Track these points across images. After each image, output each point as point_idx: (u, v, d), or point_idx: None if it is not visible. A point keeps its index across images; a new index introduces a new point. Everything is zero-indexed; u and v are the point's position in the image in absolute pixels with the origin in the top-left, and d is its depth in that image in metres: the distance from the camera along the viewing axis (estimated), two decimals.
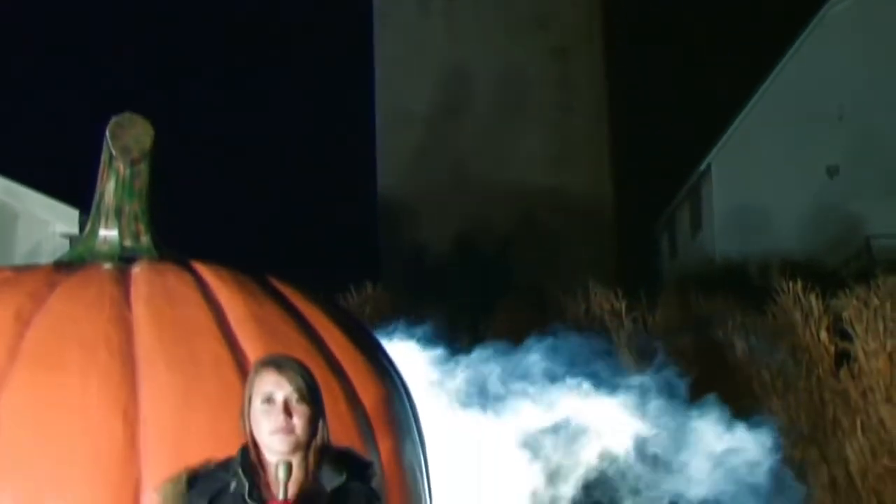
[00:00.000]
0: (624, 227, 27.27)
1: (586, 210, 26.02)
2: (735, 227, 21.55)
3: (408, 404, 4.00)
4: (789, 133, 21.61)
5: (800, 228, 20.67)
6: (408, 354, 5.50)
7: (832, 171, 21.56)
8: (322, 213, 31.24)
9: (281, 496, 2.36)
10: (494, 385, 5.95)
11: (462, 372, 5.83)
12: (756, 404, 10.24)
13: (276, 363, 2.55)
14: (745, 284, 14.52)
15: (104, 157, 4.02)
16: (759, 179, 21.62)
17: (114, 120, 3.96)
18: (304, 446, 2.46)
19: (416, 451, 3.89)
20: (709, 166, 22.89)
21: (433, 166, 26.22)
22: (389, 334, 5.68)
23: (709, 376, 10.47)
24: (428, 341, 6.02)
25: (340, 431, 3.14)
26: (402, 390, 4.04)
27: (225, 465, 2.52)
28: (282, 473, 2.37)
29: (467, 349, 6.34)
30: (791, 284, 11.04)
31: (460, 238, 24.73)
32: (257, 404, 2.48)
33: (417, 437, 3.96)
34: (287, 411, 2.45)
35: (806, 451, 8.92)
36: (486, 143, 26.30)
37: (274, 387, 2.48)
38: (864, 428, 10.29)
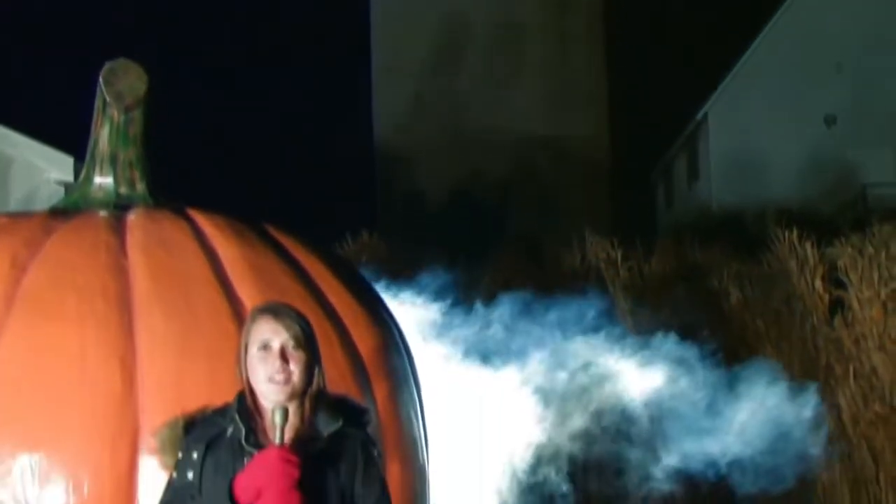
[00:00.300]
0: (620, 177, 27.23)
1: (583, 159, 25.96)
2: (731, 176, 21.53)
3: (404, 352, 4.02)
4: (787, 82, 21.50)
5: (796, 177, 20.65)
6: (404, 303, 5.52)
7: (829, 121, 21.48)
8: (319, 161, 31.14)
9: (277, 441, 2.37)
10: (494, 334, 5.98)
11: (459, 321, 5.85)
12: (750, 352, 10.31)
13: (273, 310, 2.55)
14: (741, 233, 14.54)
15: (98, 103, 3.99)
16: (756, 128, 21.55)
17: (107, 66, 3.93)
18: (300, 393, 2.47)
19: (412, 399, 3.91)
20: (706, 115, 22.79)
21: (430, 116, 26.09)
22: (385, 282, 5.70)
23: (704, 325, 10.53)
24: (424, 290, 6.04)
25: (337, 378, 3.16)
26: (399, 338, 4.05)
27: (222, 411, 2.53)
28: (278, 418, 2.39)
29: (464, 298, 6.36)
30: (786, 233, 11.06)
31: (457, 187, 24.69)
32: (254, 351, 2.49)
33: (413, 385, 3.99)
34: (283, 358, 2.46)
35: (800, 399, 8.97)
36: (483, 93, 26.15)
37: (271, 334, 2.48)
38: (856, 375, 10.37)
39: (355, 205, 26.46)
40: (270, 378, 2.45)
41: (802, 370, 10.37)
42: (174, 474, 2.46)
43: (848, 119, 21.18)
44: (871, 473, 9.80)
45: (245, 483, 2.33)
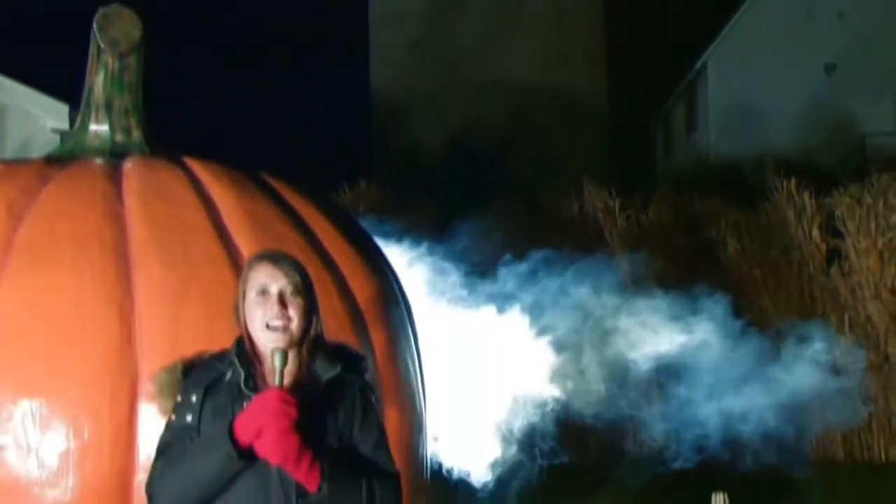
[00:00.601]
0: (619, 126, 27.11)
1: (581, 109, 25.81)
2: (730, 125, 21.44)
3: (401, 300, 4.03)
4: (787, 31, 21.33)
5: (795, 127, 20.57)
6: (401, 251, 5.53)
7: (830, 69, 21.35)
8: (316, 110, 30.96)
9: (276, 384, 2.38)
10: (490, 282, 5.99)
11: (456, 269, 5.86)
12: (748, 302, 10.35)
13: (271, 257, 2.55)
14: (739, 183, 14.53)
15: (92, 49, 3.96)
16: (756, 77, 21.42)
17: (100, 12, 3.89)
18: (298, 339, 2.48)
19: (410, 346, 3.93)
20: (704, 65, 22.64)
21: (427, 65, 25.89)
22: (383, 231, 5.70)
23: (701, 274, 10.55)
24: (421, 239, 6.04)
25: (334, 326, 3.17)
26: (396, 286, 4.06)
27: (220, 356, 2.54)
28: (278, 362, 2.40)
29: (462, 248, 6.36)
30: (785, 183, 11.06)
31: (454, 136, 24.58)
32: (252, 297, 2.49)
33: (411, 333, 4.01)
34: (282, 303, 2.46)
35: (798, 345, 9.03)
36: (482, 42, 25.93)
37: (269, 279, 2.49)
38: (851, 324, 10.44)
39: (353, 154, 26.38)
40: (268, 324, 2.46)
41: (798, 319, 10.42)
42: (173, 417, 2.48)
43: (848, 68, 21.04)
44: (863, 420, 9.91)
45: (244, 424, 2.35)
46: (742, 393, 6.55)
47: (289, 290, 2.48)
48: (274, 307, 2.46)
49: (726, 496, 4.25)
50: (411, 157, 24.63)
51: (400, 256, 5.27)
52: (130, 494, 3.10)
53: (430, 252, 5.97)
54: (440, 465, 5.31)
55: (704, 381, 6.56)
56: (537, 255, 6.49)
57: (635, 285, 7.09)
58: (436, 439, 5.09)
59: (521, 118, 24.96)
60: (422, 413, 3.93)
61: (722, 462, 6.85)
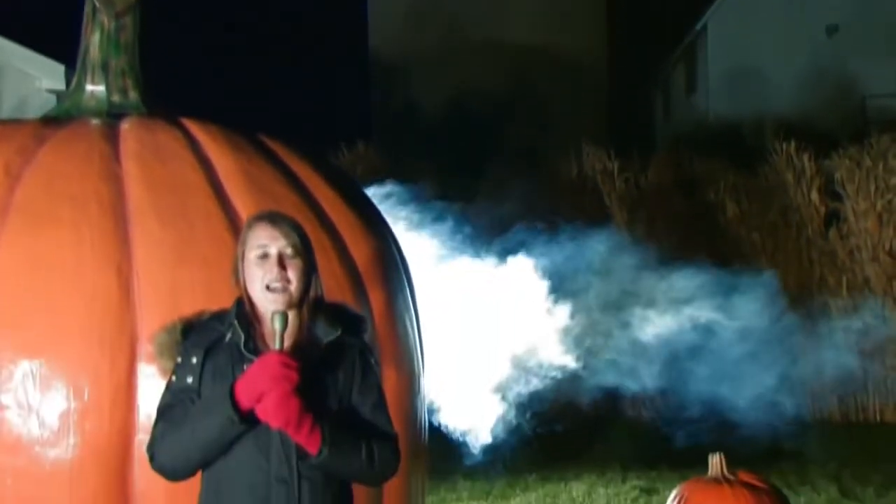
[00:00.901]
0: (618, 89, 26.98)
1: (580, 71, 25.68)
2: (730, 87, 21.33)
3: (399, 261, 4.03)
4: None
5: (796, 89, 20.47)
6: (399, 214, 5.51)
7: (831, 30, 21.20)
8: (314, 72, 30.80)
9: (277, 346, 2.38)
10: (488, 242, 5.99)
11: (453, 231, 5.85)
12: (746, 264, 10.36)
13: (270, 218, 2.54)
14: (739, 145, 14.49)
15: (87, 8, 3.93)
16: (756, 39, 21.27)
17: None
18: (297, 300, 2.48)
19: (408, 306, 3.94)
20: (705, 26, 22.47)
21: (426, 27, 25.71)
22: (381, 192, 5.68)
23: (699, 237, 10.57)
24: (419, 201, 6.03)
25: (333, 288, 3.17)
26: (394, 247, 4.06)
27: (219, 316, 2.53)
28: (278, 324, 2.39)
29: (461, 211, 6.35)
30: (784, 145, 11.03)
31: (453, 98, 24.47)
32: (251, 257, 2.48)
33: (409, 293, 4.01)
34: (281, 264, 2.46)
35: (792, 309, 9.07)
36: (480, 4, 25.72)
37: (268, 241, 2.48)
38: (849, 286, 10.46)
39: (351, 116, 26.28)
40: (268, 285, 2.45)
41: (796, 282, 10.45)
42: (173, 378, 2.48)
43: (850, 29, 20.89)
44: (860, 382, 9.97)
45: (245, 387, 2.35)
46: (740, 355, 6.59)
47: (288, 251, 2.48)
48: (273, 269, 2.46)
49: (723, 457, 4.28)
50: (409, 120, 24.54)
51: (398, 219, 5.26)
52: (131, 454, 3.12)
53: (428, 215, 5.96)
54: (438, 427, 5.34)
55: (702, 344, 6.59)
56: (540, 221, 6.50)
57: (636, 251, 7.09)
58: (434, 403, 5.12)
59: (519, 80, 24.83)
60: (420, 375, 3.94)
61: (719, 424, 6.90)
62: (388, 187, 5.96)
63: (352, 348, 2.55)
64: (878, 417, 10.29)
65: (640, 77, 27.36)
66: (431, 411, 5.18)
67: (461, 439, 7.09)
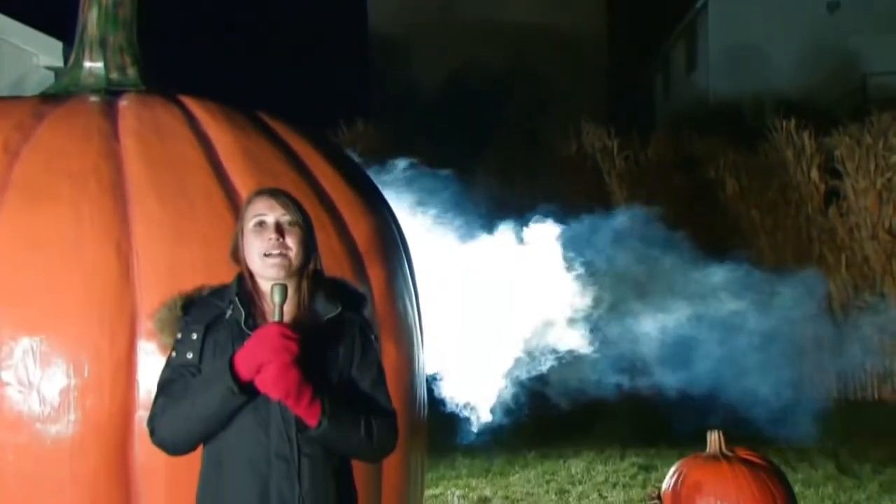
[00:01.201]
0: (618, 66, 26.88)
1: (580, 49, 25.58)
2: (730, 65, 21.25)
3: (398, 238, 4.03)
4: None
5: (796, 66, 20.39)
6: (400, 193, 5.50)
7: (832, 7, 21.09)
8: (312, 49, 30.68)
9: (276, 319, 2.38)
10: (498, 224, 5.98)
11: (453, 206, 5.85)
12: (744, 242, 10.38)
13: (269, 191, 2.55)
14: (738, 123, 14.47)
15: None
16: (757, 16, 21.17)
17: None
18: (297, 270, 2.47)
19: (407, 285, 3.94)
20: (705, 4, 22.36)
21: (425, 4, 25.60)
22: (379, 170, 5.68)
23: (699, 214, 10.57)
24: (420, 180, 6.02)
25: (332, 265, 3.17)
26: (393, 224, 4.06)
27: (219, 292, 2.53)
28: (277, 296, 2.39)
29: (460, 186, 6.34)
30: (784, 122, 11.01)
31: (452, 76, 24.38)
32: (249, 227, 2.48)
33: (408, 270, 4.01)
34: (279, 231, 2.45)
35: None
36: None
37: (266, 210, 2.47)
38: (848, 264, 10.47)
39: (349, 94, 26.19)
40: (266, 253, 2.45)
41: (796, 259, 10.45)
42: (173, 354, 2.48)
43: (851, 6, 20.79)
44: (858, 360, 10.00)
45: (245, 358, 2.35)
46: (739, 332, 6.60)
47: (286, 219, 2.47)
48: (271, 236, 2.45)
49: (721, 434, 4.29)
50: (409, 98, 24.46)
51: (399, 198, 5.25)
52: (131, 430, 3.13)
53: (428, 192, 5.95)
54: (441, 400, 5.36)
55: (702, 320, 6.60)
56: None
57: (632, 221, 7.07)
58: (439, 374, 5.13)
59: (519, 58, 24.73)
60: (419, 352, 3.95)
61: (718, 402, 6.92)
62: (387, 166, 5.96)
63: (352, 325, 2.55)
64: (876, 396, 10.32)
65: (639, 55, 27.26)
66: (435, 381, 5.21)
67: (462, 416, 7.13)
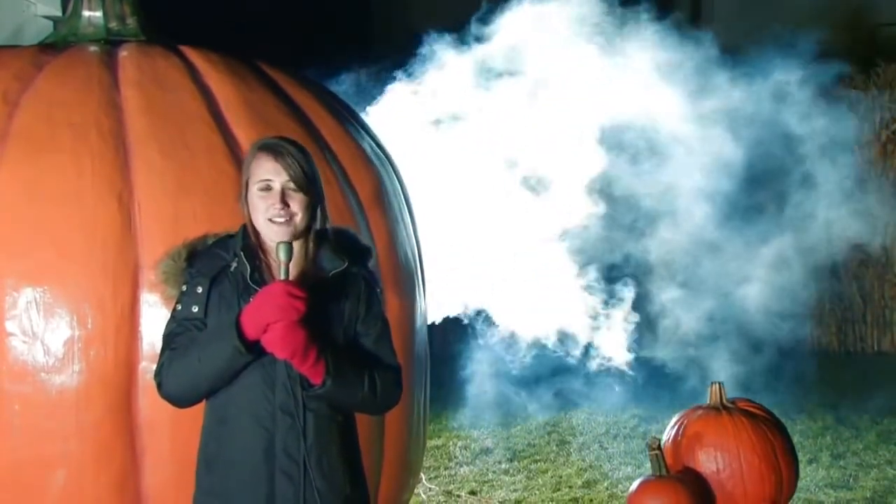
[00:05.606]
0: None
1: None
2: (737, 15, 21.01)
3: (400, 189, 4.02)
4: None
5: (805, 16, 20.15)
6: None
7: None
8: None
9: (282, 277, 2.36)
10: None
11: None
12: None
13: (274, 149, 2.45)
14: None
15: None
16: None
17: None
18: (302, 231, 2.45)
19: (409, 234, 3.94)
20: None
21: None
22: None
23: None
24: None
25: (335, 217, 3.15)
26: (395, 175, 4.05)
27: (224, 242, 2.51)
28: (283, 254, 2.37)
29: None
30: None
31: (456, 28, 24.14)
32: (254, 190, 2.44)
33: (410, 221, 4.01)
34: (284, 200, 2.42)
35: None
36: None
37: (272, 174, 2.42)
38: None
39: (351, 45, 25.95)
40: (271, 218, 2.42)
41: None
42: (178, 307, 2.46)
43: None
44: (859, 312, 10.00)
45: (251, 317, 2.34)
46: (741, 280, 6.60)
47: (291, 185, 2.43)
48: (276, 203, 2.41)
49: (722, 385, 4.32)
50: (411, 50, 24.22)
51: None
52: (135, 381, 3.15)
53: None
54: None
55: (703, 268, 6.59)
56: None
57: None
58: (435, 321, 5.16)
59: None
60: (421, 305, 3.96)
61: (719, 352, 6.95)
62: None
63: (357, 279, 2.53)
64: (875, 347, 10.35)
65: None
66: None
67: (466, 369, 7.16)
